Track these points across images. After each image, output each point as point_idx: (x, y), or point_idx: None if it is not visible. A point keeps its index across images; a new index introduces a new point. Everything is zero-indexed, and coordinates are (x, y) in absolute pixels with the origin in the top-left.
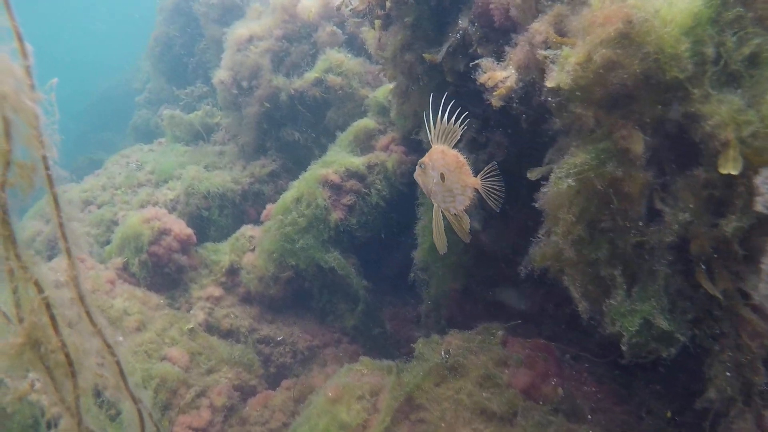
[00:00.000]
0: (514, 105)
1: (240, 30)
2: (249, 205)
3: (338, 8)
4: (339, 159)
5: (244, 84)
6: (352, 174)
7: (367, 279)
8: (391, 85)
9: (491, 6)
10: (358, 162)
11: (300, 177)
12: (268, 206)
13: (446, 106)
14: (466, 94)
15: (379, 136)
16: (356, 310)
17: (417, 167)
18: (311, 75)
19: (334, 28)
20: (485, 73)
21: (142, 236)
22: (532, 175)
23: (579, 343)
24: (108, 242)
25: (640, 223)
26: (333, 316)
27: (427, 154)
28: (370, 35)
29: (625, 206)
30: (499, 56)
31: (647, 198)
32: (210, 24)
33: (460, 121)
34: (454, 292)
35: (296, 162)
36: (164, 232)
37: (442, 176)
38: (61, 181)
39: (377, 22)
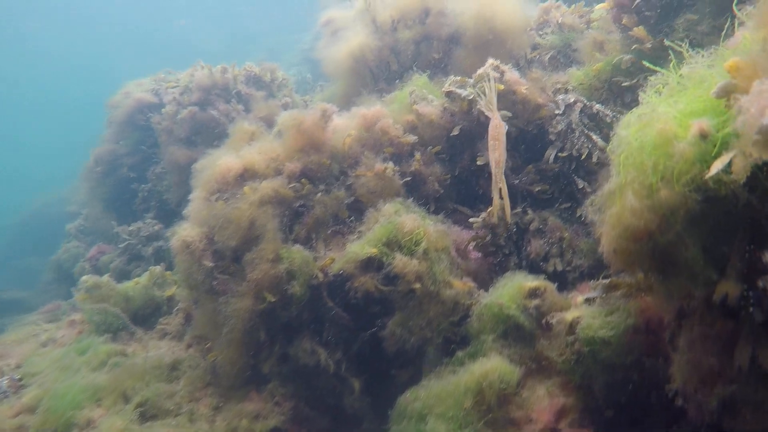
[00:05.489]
0: None
1: (226, 160)
2: None
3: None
4: None
5: (228, 254)
6: None
7: None
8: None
9: None
10: None
11: None
12: None
13: None
14: None
15: (520, 393)
16: None
17: None
18: (360, 250)
19: (387, 164)
20: None
21: None
22: None
23: None
24: None
25: None
26: None
27: None
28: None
29: None
30: None
31: None
32: (173, 144)
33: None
34: None
35: (317, 405)
36: None
37: None
38: None
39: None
